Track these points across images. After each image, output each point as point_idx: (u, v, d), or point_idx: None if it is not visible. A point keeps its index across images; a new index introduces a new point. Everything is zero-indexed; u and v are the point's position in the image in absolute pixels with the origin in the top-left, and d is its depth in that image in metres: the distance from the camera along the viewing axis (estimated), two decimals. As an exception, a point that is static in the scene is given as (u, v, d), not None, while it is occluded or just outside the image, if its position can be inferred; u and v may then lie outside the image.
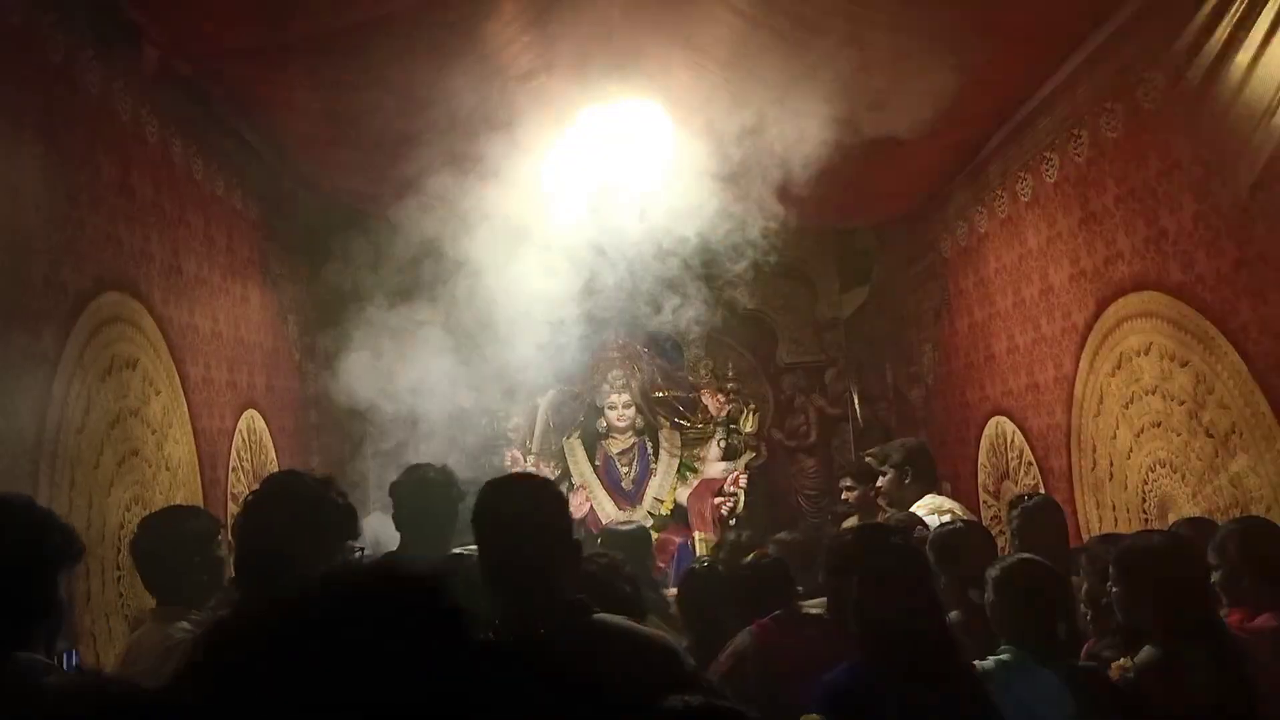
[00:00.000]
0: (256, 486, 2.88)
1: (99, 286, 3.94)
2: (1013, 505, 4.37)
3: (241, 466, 5.45)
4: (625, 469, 7.90)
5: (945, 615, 2.79)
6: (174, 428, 4.59)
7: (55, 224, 3.65)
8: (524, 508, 2.43)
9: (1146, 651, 2.81)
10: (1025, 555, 3.38)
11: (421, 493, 3.85)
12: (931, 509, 4.73)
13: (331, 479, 2.81)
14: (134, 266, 4.32)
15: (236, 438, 5.45)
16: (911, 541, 3.70)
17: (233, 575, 2.71)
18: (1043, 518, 4.17)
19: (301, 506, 2.62)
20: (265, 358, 6.16)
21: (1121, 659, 2.91)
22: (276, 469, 5.98)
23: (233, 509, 4.96)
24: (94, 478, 3.77)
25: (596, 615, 2.35)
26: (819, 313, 8.73)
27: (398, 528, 3.93)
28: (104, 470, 3.86)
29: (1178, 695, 2.66)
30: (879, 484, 5.31)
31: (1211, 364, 4.02)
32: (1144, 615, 2.86)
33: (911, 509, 4.80)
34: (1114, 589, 2.94)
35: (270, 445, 6.04)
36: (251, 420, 5.75)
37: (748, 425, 8.06)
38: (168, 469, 4.47)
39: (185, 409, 4.74)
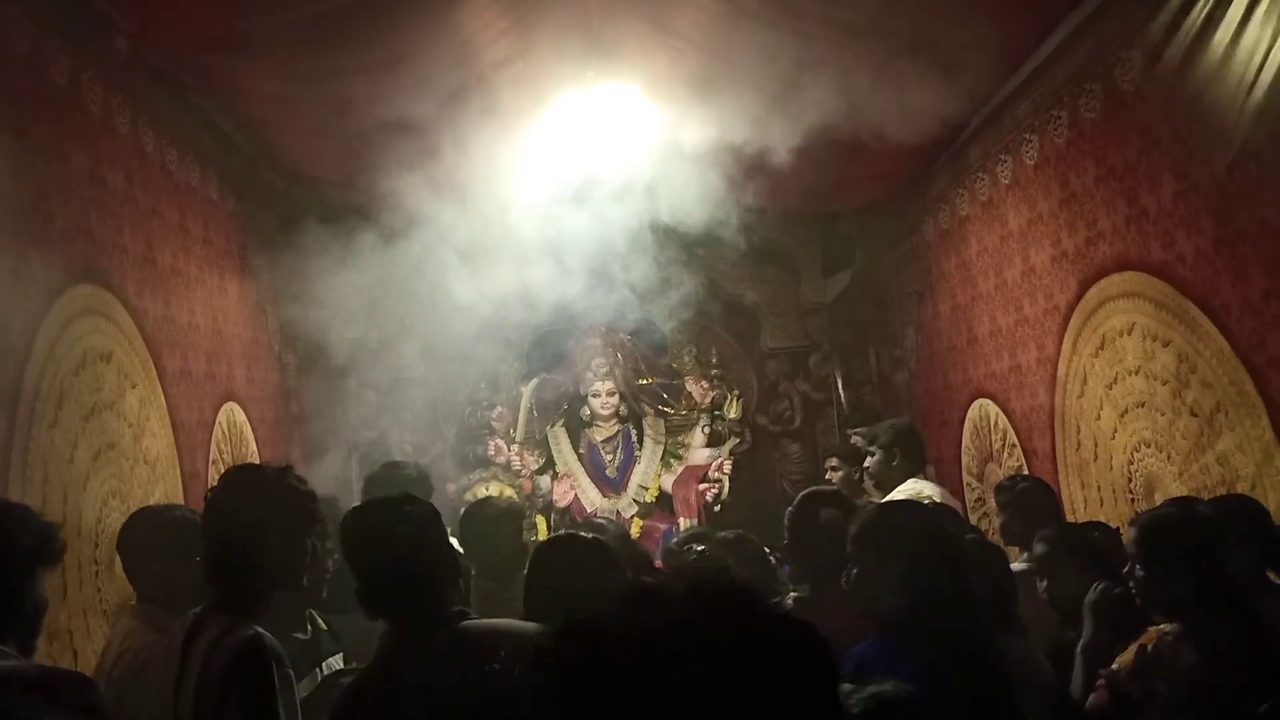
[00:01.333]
0: (215, 484, 2.88)
1: (70, 279, 3.88)
2: (1000, 490, 4.36)
3: (222, 459, 5.40)
4: (609, 457, 7.90)
5: (976, 599, 2.75)
6: (151, 421, 4.54)
7: (24, 217, 3.58)
8: (385, 532, 2.57)
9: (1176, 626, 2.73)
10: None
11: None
12: (910, 494, 4.72)
13: (288, 467, 2.83)
14: (106, 259, 4.26)
15: (216, 430, 5.40)
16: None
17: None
18: (1034, 499, 4.17)
19: (262, 499, 2.65)
20: (244, 349, 6.11)
21: (1160, 624, 2.81)
22: (258, 461, 5.94)
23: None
24: (69, 473, 3.72)
25: (464, 624, 2.51)
26: (802, 298, 8.71)
27: None
28: (79, 465, 3.81)
29: (1198, 667, 2.63)
30: (866, 465, 5.30)
31: (1193, 343, 4.01)
32: (1173, 592, 2.73)
33: (892, 494, 4.80)
34: (1139, 568, 2.82)
35: (251, 437, 5.99)
36: (231, 412, 5.69)
37: (732, 411, 8.06)
38: (146, 463, 4.42)
39: (163, 402, 4.69)
